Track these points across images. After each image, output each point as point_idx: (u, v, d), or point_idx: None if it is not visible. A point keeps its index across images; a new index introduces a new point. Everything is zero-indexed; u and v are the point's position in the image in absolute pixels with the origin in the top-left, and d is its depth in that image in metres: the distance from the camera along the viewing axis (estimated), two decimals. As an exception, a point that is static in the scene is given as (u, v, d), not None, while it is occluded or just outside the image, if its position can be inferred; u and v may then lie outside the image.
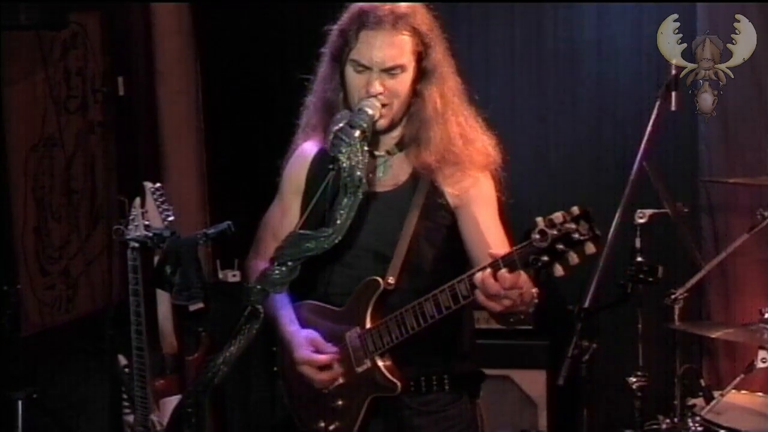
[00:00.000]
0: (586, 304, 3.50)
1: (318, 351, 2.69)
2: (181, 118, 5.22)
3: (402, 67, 2.60)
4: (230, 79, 5.46)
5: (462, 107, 2.75)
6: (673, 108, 3.83)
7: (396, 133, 2.73)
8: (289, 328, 2.76)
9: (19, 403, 3.88)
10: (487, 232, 2.64)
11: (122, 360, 3.56)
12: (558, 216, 2.20)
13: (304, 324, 2.79)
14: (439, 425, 2.73)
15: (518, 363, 4.53)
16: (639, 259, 3.77)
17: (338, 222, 2.35)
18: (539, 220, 2.22)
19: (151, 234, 3.25)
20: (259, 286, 2.29)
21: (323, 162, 2.66)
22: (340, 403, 2.71)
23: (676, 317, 3.85)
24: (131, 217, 3.33)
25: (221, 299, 3.56)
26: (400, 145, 2.72)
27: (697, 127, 4.59)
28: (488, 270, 2.32)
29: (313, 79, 2.81)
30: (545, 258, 2.21)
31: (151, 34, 5.11)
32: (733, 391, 3.77)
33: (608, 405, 4.57)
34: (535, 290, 2.44)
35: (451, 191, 2.68)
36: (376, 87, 2.58)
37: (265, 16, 5.36)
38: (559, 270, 2.22)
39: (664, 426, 3.83)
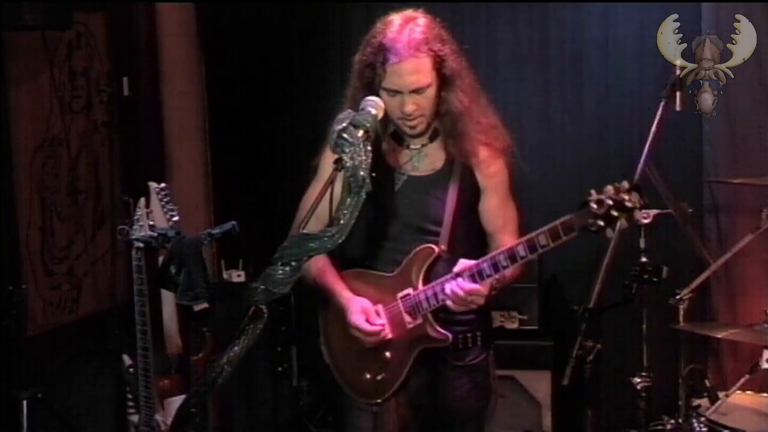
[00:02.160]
0: (591, 305, 3.51)
1: (368, 320, 2.98)
2: (186, 118, 5.22)
3: (428, 86, 2.92)
4: (235, 80, 5.47)
5: (481, 97, 3.08)
6: (677, 108, 3.84)
7: (429, 130, 3.04)
8: (345, 294, 3.05)
9: (24, 403, 3.88)
10: (498, 213, 3.06)
11: (127, 360, 3.57)
12: (609, 188, 2.57)
13: (354, 291, 3.07)
14: (469, 375, 3.08)
15: (523, 363, 4.53)
16: (643, 259, 3.77)
17: (342, 222, 2.36)
18: (593, 191, 2.59)
19: (155, 234, 3.26)
20: (262, 286, 2.29)
21: None
22: (387, 355, 3.01)
23: (680, 317, 3.85)
24: (136, 217, 3.34)
25: (226, 299, 3.56)
26: (432, 137, 3.04)
27: (702, 127, 4.59)
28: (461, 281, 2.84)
29: (344, 100, 3.04)
30: (600, 222, 2.57)
31: (155, 34, 5.11)
32: (738, 391, 3.77)
33: (612, 405, 4.57)
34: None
35: (482, 174, 3.03)
36: (410, 107, 2.92)
37: (270, 16, 5.37)
38: (609, 233, 2.59)
39: (668, 426, 3.83)
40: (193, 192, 5.19)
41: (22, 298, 3.98)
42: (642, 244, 3.80)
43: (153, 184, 3.39)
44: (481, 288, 2.83)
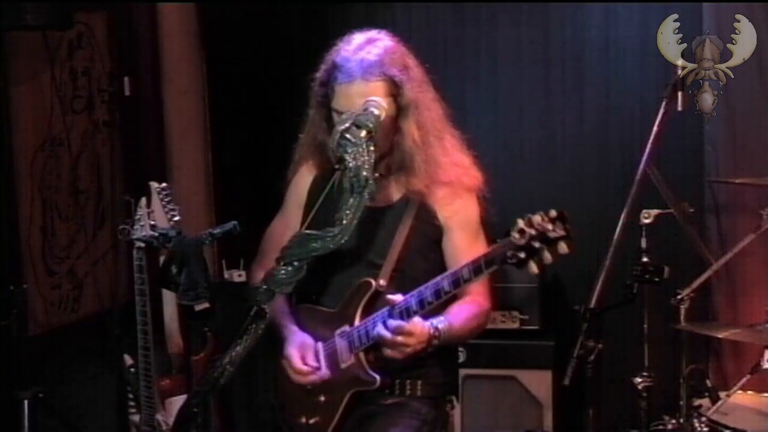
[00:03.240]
0: (592, 305, 3.51)
1: (303, 358, 2.87)
2: (187, 117, 5.22)
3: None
4: (236, 79, 5.47)
5: (445, 131, 2.93)
6: (679, 108, 3.84)
7: (384, 162, 2.85)
8: (290, 326, 2.95)
9: (25, 402, 3.88)
10: (463, 256, 2.79)
11: (128, 360, 3.57)
12: (537, 217, 2.41)
13: (300, 326, 2.98)
14: (407, 423, 2.86)
15: (524, 363, 4.53)
16: (645, 259, 3.77)
17: (344, 222, 2.36)
18: (519, 220, 2.43)
19: (156, 234, 3.25)
20: (265, 286, 2.29)
21: (323, 183, 2.82)
22: (322, 398, 2.89)
23: (681, 317, 3.85)
24: (137, 217, 3.34)
25: (227, 299, 3.55)
26: (389, 170, 2.88)
27: (703, 127, 4.59)
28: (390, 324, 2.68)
29: (306, 119, 2.99)
30: (522, 255, 2.43)
31: (157, 34, 5.11)
32: (739, 391, 3.77)
33: (614, 405, 4.56)
34: (429, 332, 2.71)
35: (442, 213, 2.90)
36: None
37: (271, 16, 5.37)
38: (533, 267, 2.44)
39: (669, 426, 3.83)
40: (194, 192, 5.19)
41: (23, 298, 3.98)
42: (643, 244, 3.80)
43: (154, 184, 3.39)
44: (409, 326, 2.65)
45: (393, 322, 2.67)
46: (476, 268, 2.57)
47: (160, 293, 3.53)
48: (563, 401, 4.52)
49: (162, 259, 3.27)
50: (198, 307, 3.20)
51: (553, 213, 2.40)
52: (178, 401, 3.46)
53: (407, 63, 2.85)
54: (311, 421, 2.91)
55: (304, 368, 2.86)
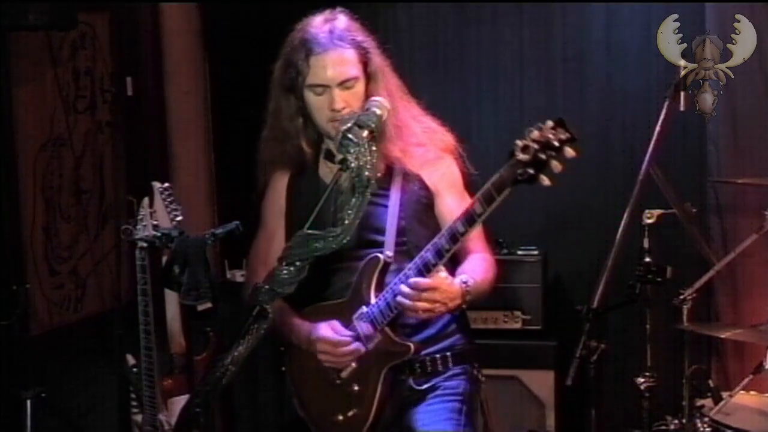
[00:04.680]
0: (595, 305, 3.50)
1: (337, 332, 2.79)
2: (190, 118, 5.22)
3: (355, 78, 2.80)
4: (238, 79, 5.46)
5: (409, 100, 2.95)
6: (681, 108, 3.83)
7: None
8: (305, 325, 2.87)
9: (28, 402, 3.89)
10: (456, 212, 2.73)
11: (131, 360, 3.57)
12: (534, 132, 2.37)
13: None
14: (444, 401, 2.84)
15: (526, 363, 4.53)
16: (647, 259, 3.77)
17: (346, 222, 2.36)
18: (518, 141, 2.40)
19: (159, 234, 3.25)
20: (267, 286, 2.29)
21: (301, 178, 2.93)
22: (356, 388, 2.79)
23: (684, 318, 3.85)
24: (140, 217, 3.34)
25: (229, 299, 3.55)
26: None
27: (706, 127, 4.58)
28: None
29: (266, 114, 3.06)
30: (531, 171, 2.37)
31: (159, 34, 5.12)
32: (742, 391, 3.77)
33: (616, 405, 4.56)
34: (458, 288, 2.67)
35: (427, 177, 2.88)
36: (339, 102, 2.77)
37: (273, 15, 5.36)
38: (545, 180, 2.38)
39: (672, 427, 3.83)
40: (196, 192, 5.19)
41: (26, 298, 3.99)
42: (646, 244, 3.80)
43: (156, 184, 3.39)
44: (434, 282, 2.61)
45: (411, 280, 2.62)
46: (487, 197, 2.49)
47: (162, 293, 3.53)
48: (566, 401, 4.52)
49: (164, 259, 3.28)
50: (200, 307, 3.21)
51: (549, 123, 2.37)
52: (180, 401, 3.46)
53: (366, 32, 2.90)
54: (349, 414, 2.80)
55: (342, 338, 2.75)
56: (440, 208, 2.90)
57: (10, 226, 4.23)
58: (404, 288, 2.63)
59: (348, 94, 2.79)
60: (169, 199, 3.35)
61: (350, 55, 2.80)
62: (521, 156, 2.37)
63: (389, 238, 2.81)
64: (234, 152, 5.45)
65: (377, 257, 2.79)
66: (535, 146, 2.36)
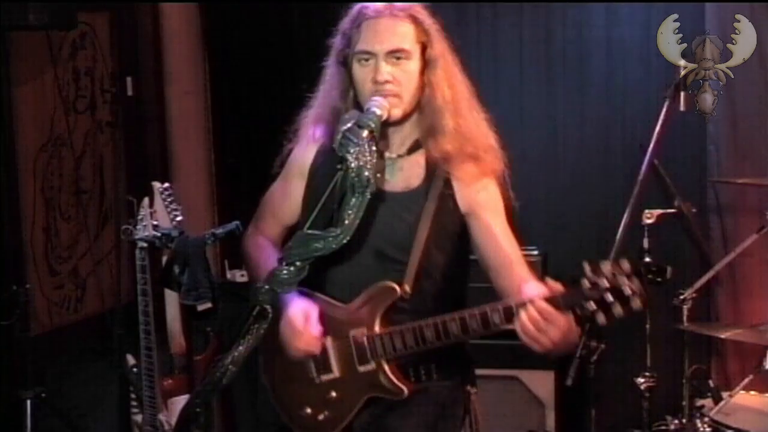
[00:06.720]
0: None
1: (307, 320, 2.64)
2: (190, 118, 5.23)
3: (406, 53, 2.58)
4: (238, 79, 5.47)
5: (474, 102, 2.74)
6: (682, 108, 3.83)
7: (407, 132, 2.69)
8: (292, 298, 2.67)
9: (28, 402, 3.89)
10: (502, 239, 2.65)
11: (131, 360, 3.58)
12: (607, 267, 2.26)
13: None
14: (424, 411, 2.70)
15: (526, 363, 4.52)
16: (647, 259, 3.77)
17: (346, 222, 2.35)
18: (586, 266, 2.28)
19: (159, 234, 3.26)
20: (267, 286, 2.29)
21: (326, 157, 2.69)
22: (333, 395, 2.69)
23: (684, 318, 3.85)
24: (140, 217, 3.34)
25: (229, 299, 3.56)
26: (411, 149, 2.69)
27: (706, 127, 4.58)
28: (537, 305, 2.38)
29: (316, 91, 2.80)
30: (592, 306, 2.28)
31: (159, 34, 5.12)
32: (742, 391, 3.77)
33: (616, 405, 4.56)
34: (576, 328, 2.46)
35: (461, 196, 2.66)
36: (384, 74, 2.56)
37: (274, 16, 5.37)
38: (602, 318, 2.28)
39: (672, 426, 3.83)
40: (196, 192, 5.20)
41: (26, 298, 3.99)
42: (646, 244, 3.80)
43: (156, 184, 3.39)
44: (559, 315, 2.37)
45: (540, 303, 2.38)
46: (553, 302, 2.34)
47: (162, 293, 3.54)
48: (566, 401, 4.52)
49: (164, 259, 3.28)
50: (200, 307, 3.21)
51: (627, 266, 2.26)
52: (180, 401, 3.47)
53: (435, 23, 2.67)
54: (320, 417, 2.71)
55: (311, 332, 2.62)
56: (476, 232, 2.67)
57: (10, 226, 4.24)
58: (535, 312, 2.42)
59: (396, 69, 2.57)
60: (169, 200, 3.35)
61: (405, 28, 2.58)
62: (588, 293, 2.28)
63: (412, 266, 2.62)
64: (234, 152, 5.46)
65: (394, 290, 2.61)
66: (605, 285, 2.26)
